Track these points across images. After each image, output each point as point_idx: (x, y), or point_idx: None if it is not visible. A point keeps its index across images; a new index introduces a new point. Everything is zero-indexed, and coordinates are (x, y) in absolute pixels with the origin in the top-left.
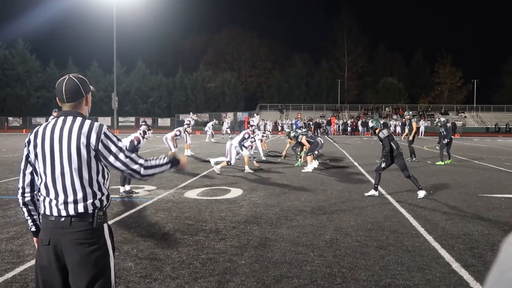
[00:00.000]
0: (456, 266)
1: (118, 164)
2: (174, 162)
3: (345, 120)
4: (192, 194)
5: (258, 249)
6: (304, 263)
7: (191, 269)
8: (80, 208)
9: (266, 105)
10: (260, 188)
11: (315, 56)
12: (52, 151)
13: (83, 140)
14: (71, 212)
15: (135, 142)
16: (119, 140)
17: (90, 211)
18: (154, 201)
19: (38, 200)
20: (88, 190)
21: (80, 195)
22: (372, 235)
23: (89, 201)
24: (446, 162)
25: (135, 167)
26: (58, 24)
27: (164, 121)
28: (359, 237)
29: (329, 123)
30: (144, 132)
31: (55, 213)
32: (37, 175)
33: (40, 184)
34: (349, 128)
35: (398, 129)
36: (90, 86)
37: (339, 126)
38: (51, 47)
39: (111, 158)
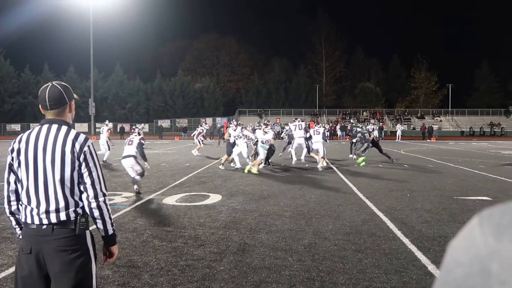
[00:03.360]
0: (432, 268)
1: (88, 180)
2: (113, 238)
3: (323, 125)
4: (171, 200)
5: (237, 255)
6: (283, 267)
7: (170, 276)
8: (62, 216)
9: (245, 110)
10: (239, 194)
11: (294, 61)
12: (36, 159)
13: (68, 149)
14: (53, 220)
15: (143, 142)
16: (98, 160)
17: (72, 218)
18: (132, 207)
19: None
20: (70, 199)
21: (62, 203)
22: (350, 239)
23: (71, 209)
24: (360, 163)
25: (102, 190)
26: (33, 29)
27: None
28: (337, 241)
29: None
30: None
31: (36, 221)
32: (19, 183)
33: (21, 192)
34: (327, 133)
35: (376, 133)
36: (74, 94)
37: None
38: (26, 52)
39: (86, 174)
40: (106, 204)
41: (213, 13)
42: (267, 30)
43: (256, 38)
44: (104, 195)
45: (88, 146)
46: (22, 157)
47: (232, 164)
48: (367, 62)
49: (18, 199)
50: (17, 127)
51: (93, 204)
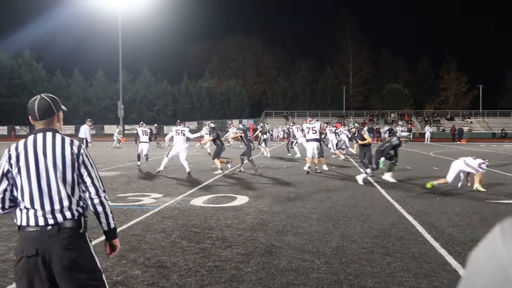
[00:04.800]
0: (463, 272)
1: (88, 179)
2: (115, 231)
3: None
4: (198, 201)
5: (265, 257)
6: (310, 270)
7: (198, 276)
8: (68, 215)
9: (271, 111)
10: (266, 195)
11: (320, 62)
12: (37, 163)
13: (68, 153)
14: (59, 220)
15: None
16: (93, 161)
17: (76, 217)
18: (161, 208)
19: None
20: (73, 199)
21: (66, 203)
22: (379, 242)
23: (74, 208)
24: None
25: (101, 187)
26: (65, 33)
27: (170, 129)
28: (366, 244)
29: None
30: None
31: (41, 222)
32: (17, 190)
33: (23, 197)
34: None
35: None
36: (62, 106)
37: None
38: (57, 57)
39: (85, 173)
40: (106, 200)
41: (239, 14)
42: (293, 31)
43: (282, 40)
44: (104, 191)
45: (84, 149)
46: (22, 163)
47: (229, 165)
48: (394, 62)
49: (3, 207)
50: None
51: (96, 200)
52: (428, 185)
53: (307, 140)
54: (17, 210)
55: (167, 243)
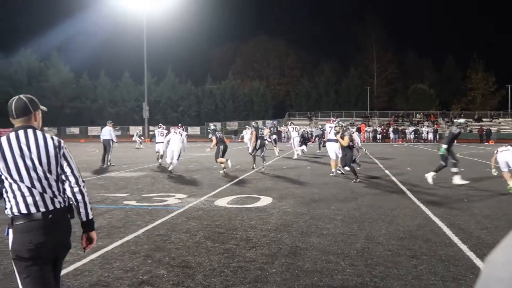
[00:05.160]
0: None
1: (68, 169)
2: (93, 223)
3: (375, 127)
4: (222, 202)
5: (289, 258)
6: (335, 272)
7: (223, 277)
8: (62, 202)
9: (295, 113)
10: (289, 196)
11: (344, 63)
12: (23, 157)
13: (50, 147)
14: (57, 205)
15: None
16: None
17: (67, 204)
18: (185, 209)
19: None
20: (61, 187)
21: (56, 191)
22: (405, 244)
23: (63, 196)
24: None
25: (80, 177)
26: (91, 36)
27: (194, 130)
28: (391, 246)
29: (359, 130)
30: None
31: (42, 209)
32: (2, 183)
33: (15, 189)
34: (379, 136)
35: (430, 136)
36: (40, 106)
37: (369, 134)
38: (84, 59)
39: (65, 164)
40: (85, 189)
41: (262, 15)
42: (317, 32)
43: (305, 41)
44: (83, 181)
45: (63, 143)
46: (9, 158)
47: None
48: (419, 62)
49: None
50: (76, 130)
51: (76, 189)
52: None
53: (328, 140)
54: (15, 201)
55: (191, 243)
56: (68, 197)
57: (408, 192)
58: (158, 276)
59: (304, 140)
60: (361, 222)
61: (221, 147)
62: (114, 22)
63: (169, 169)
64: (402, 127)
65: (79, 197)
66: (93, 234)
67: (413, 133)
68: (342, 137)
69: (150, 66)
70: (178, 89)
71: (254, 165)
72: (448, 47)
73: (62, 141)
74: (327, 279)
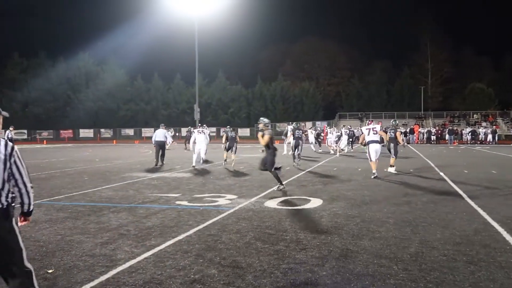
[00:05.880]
0: None
1: (18, 174)
2: (31, 212)
3: (429, 128)
4: (272, 203)
5: (340, 260)
6: (387, 276)
7: (273, 278)
8: (4, 201)
9: (345, 113)
10: (340, 198)
11: (396, 62)
12: None
13: (1, 152)
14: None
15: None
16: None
17: (5, 206)
18: (236, 210)
19: None
20: (5, 191)
21: (5, 191)
22: (461, 249)
23: (4, 200)
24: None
25: (29, 181)
26: (144, 40)
27: (244, 131)
28: (447, 251)
29: (412, 131)
30: None
31: None
32: None
33: None
34: (433, 137)
35: (489, 137)
36: (2, 111)
37: (423, 135)
38: (138, 62)
39: (15, 168)
40: (32, 195)
41: (312, 16)
42: (367, 31)
43: (356, 40)
44: (31, 187)
45: (16, 150)
46: None
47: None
48: (477, 61)
49: None
50: (130, 132)
51: (23, 190)
52: None
53: (368, 142)
54: None
55: (242, 243)
56: (8, 202)
57: (464, 195)
58: (209, 275)
59: (349, 138)
60: (415, 226)
61: (226, 144)
62: (167, 25)
63: (196, 164)
64: (457, 128)
65: (26, 200)
66: (29, 218)
67: (470, 134)
68: (262, 136)
69: (201, 68)
70: (229, 90)
71: (294, 163)
72: (508, 45)
73: (15, 147)
74: (380, 283)
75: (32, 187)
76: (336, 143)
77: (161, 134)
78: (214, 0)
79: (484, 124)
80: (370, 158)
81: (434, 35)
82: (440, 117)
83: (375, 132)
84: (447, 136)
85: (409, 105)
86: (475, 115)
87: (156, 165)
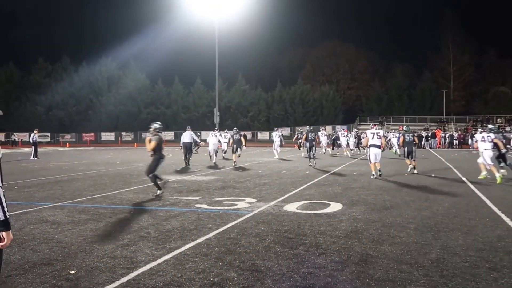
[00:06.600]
0: None
1: None
2: (6, 224)
3: (451, 133)
4: (292, 207)
5: (359, 265)
6: (408, 282)
7: (292, 282)
8: None
9: (365, 117)
10: (360, 203)
11: (417, 66)
12: None
13: None
14: None
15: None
16: None
17: None
18: (255, 213)
19: None
20: None
21: None
22: (484, 256)
23: None
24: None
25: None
26: (165, 44)
27: (263, 135)
28: (469, 258)
29: (433, 135)
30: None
31: None
32: None
33: None
34: (455, 141)
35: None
36: None
37: (444, 139)
38: (159, 66)
39: None
40: (3, 193)
41: (331, 20)
42: (388, 34)
43: (376, 44)
44: (1, 187)
45: None
46: None
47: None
48: (501, 64)
49: None
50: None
51: None
52: None
53: (370, 146)
54: None
55: (261, 247)
56: None
57: (487, 201)
58: (229, 278)
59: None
60: (436, 232)
61: (230, 147)
62: (187, 30)
63: (213, 162)
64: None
65: None
66: (6, 235)
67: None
68: (149, 141)
69: (221, 72)
70: (248, 94)
71: (310, 163)
72: None
73: None
74: None
75: (3, 189)
76: (347, 146)
77: (188, 136)
78: (234, 5)
79: (508, 128)
80: (370, 160)
81: (456, 37)
82: (462, 121)
83: (378, 136)
84: (469, 141)
85: (431, 109)
86: (498, 120)
87: (186, 165)
